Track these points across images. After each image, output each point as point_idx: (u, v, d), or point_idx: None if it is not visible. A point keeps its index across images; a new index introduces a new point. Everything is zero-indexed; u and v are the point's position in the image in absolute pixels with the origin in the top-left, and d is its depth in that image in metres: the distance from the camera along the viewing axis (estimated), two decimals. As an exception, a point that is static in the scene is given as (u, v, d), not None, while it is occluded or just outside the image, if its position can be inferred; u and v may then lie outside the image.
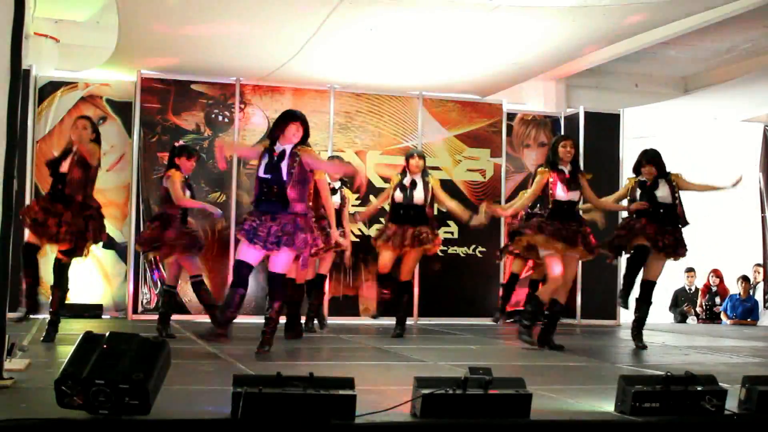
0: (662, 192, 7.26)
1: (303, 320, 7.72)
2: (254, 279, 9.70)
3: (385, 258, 7.70)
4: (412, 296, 8.40)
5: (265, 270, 6.38)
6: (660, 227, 7.18)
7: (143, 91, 9.46)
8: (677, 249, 7.23)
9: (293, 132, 6.00)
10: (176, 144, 7.75)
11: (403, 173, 7.86)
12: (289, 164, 5.95)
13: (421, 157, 7.89)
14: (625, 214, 7.54)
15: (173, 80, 9.59)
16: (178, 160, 7.22)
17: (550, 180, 6.96)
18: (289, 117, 6.07)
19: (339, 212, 7.87)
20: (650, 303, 7.35)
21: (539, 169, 7.22)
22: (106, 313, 9.35)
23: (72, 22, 10.20)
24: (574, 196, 6.96)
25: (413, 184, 7.75)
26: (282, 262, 5.96)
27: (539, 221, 6.97)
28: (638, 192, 7.32)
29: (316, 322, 8.21)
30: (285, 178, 5.92)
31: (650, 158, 7.32)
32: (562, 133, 10.87)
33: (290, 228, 5.88)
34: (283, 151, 6.00)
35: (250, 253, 5.96)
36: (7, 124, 4.12)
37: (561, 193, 6.92)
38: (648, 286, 7.27)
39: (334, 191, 7.90)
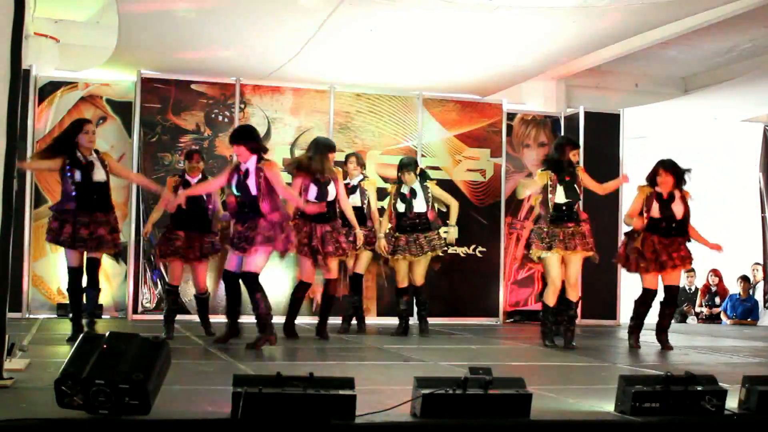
0: (677, 206, 7.21)
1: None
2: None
3: (402, 271, 7.90)
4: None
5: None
6: (667, 244, 7.20)
7: (143, 91, 9.46)
8: (683, 262, 7.27)
9: (241, 153, 6.36)
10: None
11: (399, 182, 8.00)
12: (256, 180, 6.32)
13: (414, 166, 8.04)
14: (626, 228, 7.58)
15: (173, 80, 9.59)
16: (186, 165, 7.54)
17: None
18: (232, 140, 6.47)
19: (361, 209, 8.00)
20: (675, 306, 7.54)
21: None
22: (106, 313, 9.34)
23: (72, 22, 10.22)
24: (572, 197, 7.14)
25: (413, 192, 7.93)
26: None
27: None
28: (655, 205, 7.19)
29: (354, 321, 8.30)
30: (254, 193, 6.31)
31: (668, 167, 7.21)
32: (563, 133, 10.87)
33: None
34: (248, 169, 6.36)
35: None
36: (7, 124, 4.13)
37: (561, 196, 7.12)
38: (667, 291, 7.37)
39: (353, 189, 8.04)
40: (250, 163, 6.32)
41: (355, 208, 7.77)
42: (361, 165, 8.26)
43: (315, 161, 7.18)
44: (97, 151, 6.78)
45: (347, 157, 8.32)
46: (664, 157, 7.46)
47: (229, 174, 6.45)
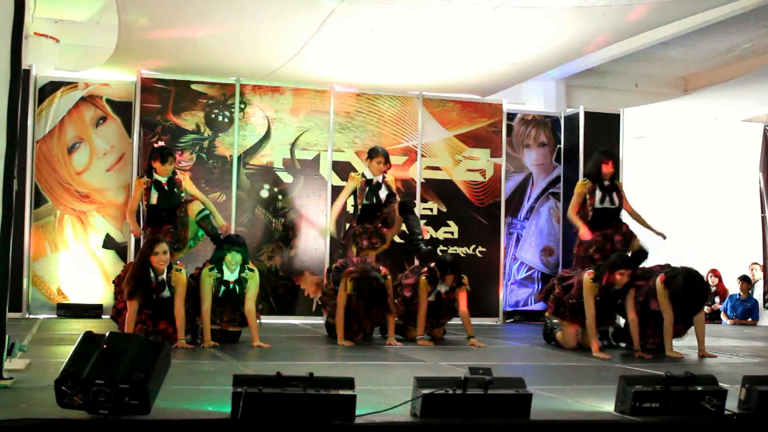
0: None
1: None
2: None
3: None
4: None
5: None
6: None
7: (143, 91, 9.45)
8: None
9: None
10: (155, 145, 7.81)
11: (437, 281, 7.25)
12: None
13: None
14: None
15: (173, 80, 9.59)
16: (154, 164, 7.29)
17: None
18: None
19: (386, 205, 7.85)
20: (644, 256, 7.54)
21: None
22: (106, 313, 9.34)
23: (72, 22, 10.21)
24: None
25: (448, 293, 7.40)
26: None
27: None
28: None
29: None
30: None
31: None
32: (562, 133, 10.87)
33: None
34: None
35: None
36: (7, 124, 4.13)
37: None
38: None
39: (378, 185, 7.85)
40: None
41: (380, 205, 7.79)
42: (388, 164, 7.94)
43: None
44: (170, 267, 6.46)
45: (373, 153, 7.98)
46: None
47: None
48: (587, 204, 7.75)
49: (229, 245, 6.63)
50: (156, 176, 7.30)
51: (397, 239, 8.74)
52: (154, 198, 7.27)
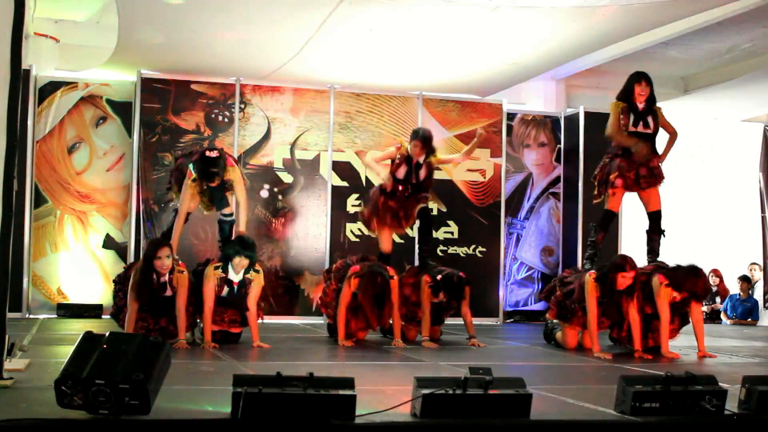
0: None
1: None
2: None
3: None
4: None
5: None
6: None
7: (143, 91, 9.46)
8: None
9: None
10: (206, 153, 6.92)
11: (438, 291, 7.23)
12: None
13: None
14: None
15: (173, 80, 9.59)
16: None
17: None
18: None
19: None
20: (661, 233, 7.57)
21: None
22: (106, 313, 9.34)
23: (72, 22, 10.21)
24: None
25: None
26: None
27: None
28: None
29: None
30: None
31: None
32: (562, 133, 10.87)
33: None
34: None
35: None
36: (7, 124, 4.13)
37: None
38: (653, 217, 7.53)
39: (419, 165, 7.53)
40: None
41: (413, 184, 7.50)
42: (427, 148, 7.50)
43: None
44: (172, 269, 6.39)
45: (412, 135, 7.61)
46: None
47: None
48: (621, 124, 7.37)
49: (240, 248, 6.56)
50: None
51: (397, 239, 8.76)
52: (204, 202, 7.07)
